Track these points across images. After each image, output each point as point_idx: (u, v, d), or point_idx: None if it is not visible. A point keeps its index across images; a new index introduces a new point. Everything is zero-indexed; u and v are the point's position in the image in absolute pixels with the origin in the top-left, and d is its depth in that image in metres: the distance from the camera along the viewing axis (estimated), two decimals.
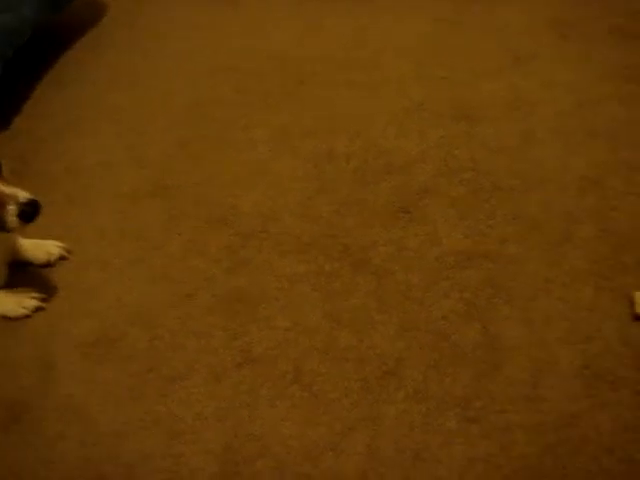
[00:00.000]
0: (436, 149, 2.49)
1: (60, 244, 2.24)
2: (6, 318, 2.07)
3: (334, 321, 1.96)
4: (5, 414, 1.83)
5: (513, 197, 2.28)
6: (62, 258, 2.23)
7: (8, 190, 1.84)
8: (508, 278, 2.03)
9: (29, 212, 1.83)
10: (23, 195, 1.83)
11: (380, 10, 3.33)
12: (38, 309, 2.08)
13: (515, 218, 2.20)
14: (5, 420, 1.82)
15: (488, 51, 2.97)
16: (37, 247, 2.23)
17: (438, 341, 1.89)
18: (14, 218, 1.82)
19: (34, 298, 2.09)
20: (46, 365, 1.94)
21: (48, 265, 2.22)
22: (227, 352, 1.91)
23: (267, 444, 1.71)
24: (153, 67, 3.16)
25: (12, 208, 1.82)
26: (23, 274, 2.19)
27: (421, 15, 3.26)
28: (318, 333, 1.93)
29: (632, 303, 1.90)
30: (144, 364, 1.91)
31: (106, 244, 2.28)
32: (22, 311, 2.07)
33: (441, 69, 2.90)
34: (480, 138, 2.52)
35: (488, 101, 2.70)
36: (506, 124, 2.57)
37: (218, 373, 1.87)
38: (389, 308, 1.98)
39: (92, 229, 2.34)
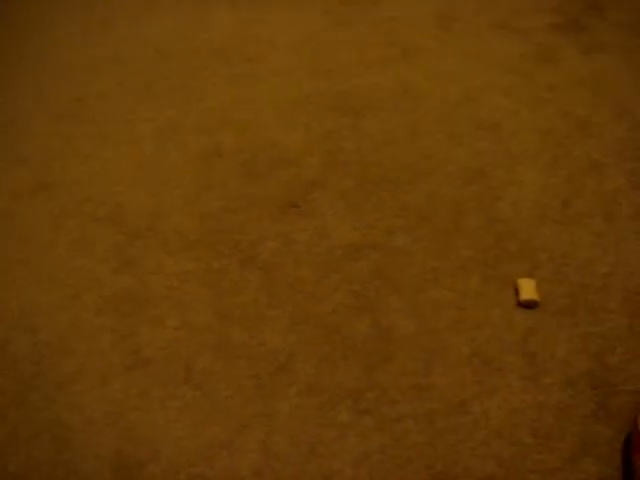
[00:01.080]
0: (323, 142, 2.49)
1: None
2: None
3: (225, 318, 1.94)
4: None
5: (400, 189, 2.31)
6: None
7: None
8: (397, 269, 2.05)
9: None
10: None
11: (268, 3, 3.31)
12: None
13: (402, 209, 2.23)
14: None
15: (375, 44, 2.99)
16: None
17: (329, 334, 1.89)
18: None
19: None
20: None
21: None
22: (116, 354, 1.87)
23: (160, 447, 1.68)
24: (32, 57, 3.05)
25: None
26: None
27: (309, 9, 3.25)
28: (209, 331, 1.91)
29: (516, 290, 1.96)
30: (29, 370, 1.85)
31: None
32: None
33: (328, 62, 2.90)
34: (367, 130, 2.53)
35: (375, 94, 2.72)
36: (393, 116, 2.60)
37: (107, 376, 1.83)
38: (280, 303, 1.97)
39: None
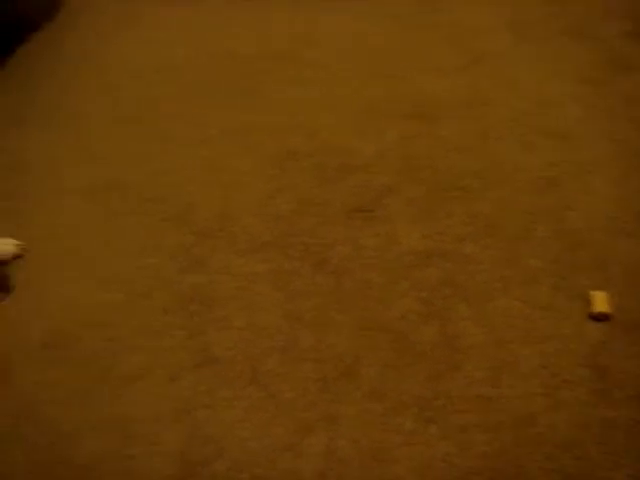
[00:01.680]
0: (394, 148, 2.49)
1: (15, 242, 2.19)
2: None
3: (293, 320, 1.94)
4: None
5: (471, 196, 2.29)
6: (17, 256, 2.19)
7: None
8: (466, 277, 2.03)
9: None
10: None
11: (329, 9, 3.32)
12: None
13: (472, 217, 2.21)
14: None
15: (446, 50, 2.98)
16: None
17: (396, 340, 1.88)
18: None
19: None
20: None
21: (3, 263, 2.17)
22: (184, 352, 1.89)
23: (224, 446, 1.69)
24: (101, 62, 3.12)
25: None
26: None
27: (377, 13, 3.25)
28: (277, 333, 1.92)
29: (588, 302, 1.92)
30: (99, 365, 1.88)
31: (59, 243, 2.24)
32: None
33: (396, 68, 2.90)
34: (438, 137, 2.52)
35: (445, 100, 2.70)
36: (464, 123, 2.58)
37: (175, 373, 1.84)
38: (348, 307, 1.97)
39: (44, 226, 2.30)
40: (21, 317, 2.02)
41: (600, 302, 1.90)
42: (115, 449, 1.70)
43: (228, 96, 2.81)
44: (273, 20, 3.27)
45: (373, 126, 2.60)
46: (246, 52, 3.06)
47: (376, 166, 2.42)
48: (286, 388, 1.79)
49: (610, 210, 2.19)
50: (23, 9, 3.28)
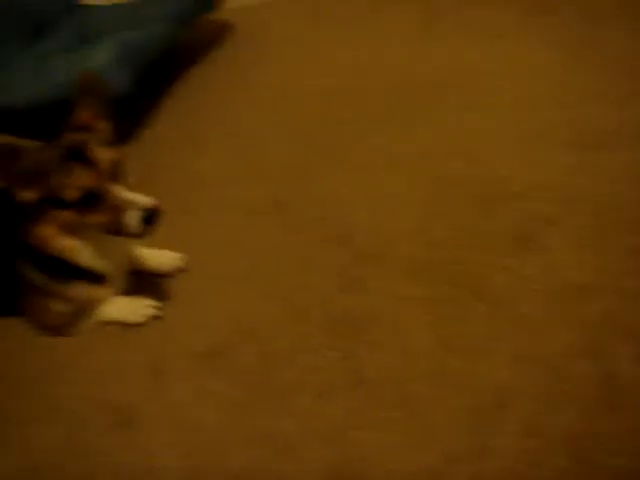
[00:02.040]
0: (557, 177, 2.43)
1: (179, 255, 2.31)
2: (123, 324, 2.16)
3: (445, 347, 1.93)
4: (115, 417, 1.90)
5: (635, 229, 2.19)
6: (180, 269, 2.31)
7: (130, 196, 1.90)
8: (629, 314, 1.95)
9: (150, 218, 1.88)
10: (145, 201, 1.88)
11: (484, 35, 3.29)
12: (154, 317, 2.16)
13: (636, 252, 2.12)
14: (114, 423, 1.89)
15: (612, 79, 2.87)
16: (157, 257, 2.31)
17: (552, 375, 1.83)
18: (136, 223, 1.88)
19: (151, 306, 2.17)
20: (157, 372, 2.00)
21: (167, 275, 2.30)
22: (337, 371, 1.92)
23: (370, 467, 1.69)
24: (274, 85, 3.23)
25: (134, 213, 1.87)
26: (142, 282, 2.28)
27: (544, 40, 3.20)
28: (429, 358, 1.91)
29: None
30: (254, 378, 1.94)
31: (223, 257, 2.34)
32: (139, 318, 2.15)
33: (561, 95, 2.83)
34: (605, 168, 2.44)
35: (615, 130, 2.61)
36: (634, 154, 2.48)
37: (327, 392, 1.87)
38: (503, 337, 1.93)
39: (210, 241, 2.41)
40: (183, 326, 2.12)
41: None
42: (266, 463, 1.74)
43: (391, 120, 2.84)
44: (432, 48, 3.28)
45: (535, 154, 2.55)
46: (407, 79, 3.08)
47: (538, 194, 2.37)
48: (436, 414, 1.78)
49: None
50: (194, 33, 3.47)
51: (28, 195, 1.90)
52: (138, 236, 1.93)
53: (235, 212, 2.51)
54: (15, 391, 2.03)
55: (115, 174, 1.93)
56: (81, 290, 2.11)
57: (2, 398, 2.01)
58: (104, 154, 1.93)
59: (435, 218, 2.34)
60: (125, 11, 3.44)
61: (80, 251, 2.02)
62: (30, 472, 1.81)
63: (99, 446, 1.84)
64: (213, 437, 1.81)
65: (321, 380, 1.90)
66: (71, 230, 1.96)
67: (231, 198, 2.58)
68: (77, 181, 1.87)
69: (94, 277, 2.10)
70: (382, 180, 2.53)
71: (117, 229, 1.91)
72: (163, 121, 3.11)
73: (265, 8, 3.94)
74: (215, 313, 2.15)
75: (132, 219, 1.88)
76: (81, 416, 1.92)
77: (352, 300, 2.10)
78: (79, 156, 1.89)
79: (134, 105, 2.88)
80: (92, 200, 1.89)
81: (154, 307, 2.16)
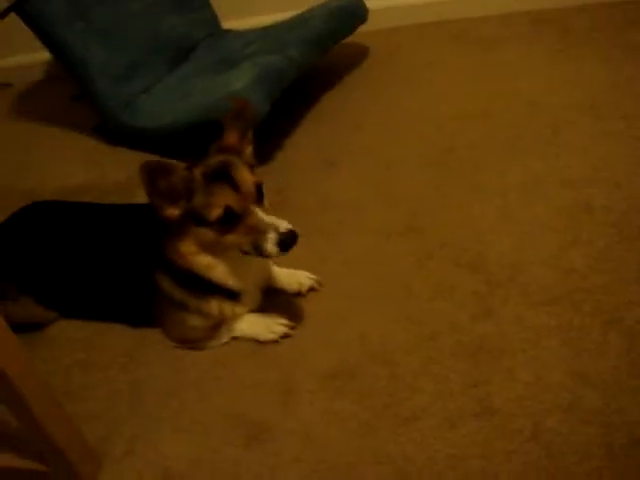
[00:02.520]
0: None
1: (312, 276, 2.35)
2: (256, 341, 2.21)
3: (580, 380, 1.86)
4: (247, 432, 1.95)
5: None
6: (312, 289, 2.34)
7: (269, 219, 1.95)
8: None
9: (287, 241, 1.93)
10: (283, 225, 1.94)
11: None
12: (285, 336, 2.20)
13: None
14: (246, 437, 1.94)
15: None
16: (290, 277, 2.35)
17: None
18: (273, 246, 1.93)
19: (283, 325, 2.20)
20: (287, 390, 2.04)
21: (299, 294, 2.33)
22: (465, 399, 1.89)
23: None
24: (408, 108, 3.24)
25: (272, 236, 1.93)
26: (275, 301, 2.33)
27: None
28: (562, 390, 1.85)
29: None
30: (381, 400, 1.94)
31: (354, 279, 2.35)
32: (271, 336, 2.19)
33: None
34: None
35: None
36: None
37: (454, 419, 1.85)
38: None
39: (341, 263, 2.43)
40: (313, 346, 2.15)
41: None
42: None
43: (527, 146, 2.79)
44: (585, 72, 3.20)
45: None
46: (552, 102, 3.02)
47: None
48: (568, 450, 1.71)
49: None
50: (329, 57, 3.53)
51: (172, 211, 1.98)
52: (273, 258, 1.98)
53: (367, 235, 2.52)
54: (150, 401, 2.11)
55: (257, 196, 1.99)
56: (215, 306, 2.18)
57: (138, 408, 2.10)
58: (248, 176, 1.99)
59: (571, 246, 2.27)
60: (264, 35, 3.54)
61: (215, 268, 2.08)
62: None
63: (229, 458, 1.89)
64: (338, 457, 1.83)
65: (448, 406, 1.88)
66: (209, 248, 2.03)
67: (363, 221, 2.60)
68: (221, 201, 1.94)
69: (229, 294, 2.16)
70: (518, 206, 2.48)
71: (254, 250, 1.97)
72: (296, 144, 3.17)
73: (400, 31, 3.96)
74: (345, 334, 2.16)
75: (270, 242, 1.93)
76: (213, 428, 1.98)
77: (483, 327, 2.07)
78: (225, 177, 1.96)
79: (268, 128, 2.96)
80: (233, 220, 1.95)
81: (286, 325, 2.20)
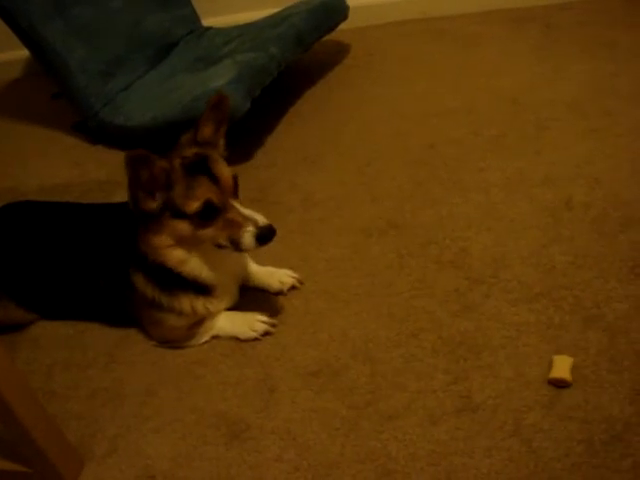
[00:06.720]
0: None
1: (293, 274, 2.34)
2: (237, 339, 2.20)
3: None
4: (228, 430, 1.94)
5: None
6: (293, 287, 2.33)
7: (247, 213, 1.96)
8: None
9: (265, 235, 1.93)
10: (261, 219, 1.94)
11: (630, 55, 3.20)
12: (267, 333, 2.19)
13: None
14: (228, 436, 1.93)
15: None
16: (271, 275, 2.34)
17: None
18: (251, 239, 1.93)
19: (264, 322, 2.20)
20: (269, 389, 2.03)
21: (280, 293, 2.33)
22: (446, 396, 1.89)
23: None
24: (390, 105, 3.24)
25: (250, 230, 1.93)
26: (256, 299, 2.32)
27: None
28: (542, 387, 1.86)
29: None
30: (363, 398, 1.94)
31: (335, 277, 2.35)
32: (252, 334, 2.18)
33: None
34: None
35: None
36: None
37: (435, 416, 1.85)
38: (622, 369, 1.86)
39: (323, 261, 2.42)
40: (295, 344, 2.14)
41: None
42: None
43: (510, 143, 2.80)
44: (569, 69, 3.21)
45: None
46: (535, 99, 3.03)
47: None
48: (548, 446, 1.72)
49: None
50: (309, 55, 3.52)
51: (151, 204, 1.96)
52: (249, 251, 1.97)
53: (348, 233, 2.52)
54: (132, 400, 2.10)
55: (235, 190, 1.99)
56: (187, 303, 2.15)
57: (120, 407, 2.09)
58: (227, 170, 1.99)
59: (552, 243, 2.28)
60: (245, 32, 3.53)
61: (188, 262, 2.06)
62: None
63: (210, 457, 1.88)
64: (320, 455, 1.82)
65: (430, 404, 1.88)
66: (184, 242, 2.02)
67: (344, 218, 2.59)
68: (201, 194, 1.93)
69: (201, 289, 2.14)
70: (499, 203, 2.49)
71: (230, 244, 1.96)
72: (277, 141, 3.17)
73: (381, 29, 3.97)
74: (326, 332, 2.16)
75: (248, 236, 1.92)
76: (194, 427, 1.97)
77: (465, 324, 2.07)
78: (204, 169, 1.95)
79: (248, 125, 2.95)
80: (212, 214, 1.95)
81: (267, 323, 2.19)
